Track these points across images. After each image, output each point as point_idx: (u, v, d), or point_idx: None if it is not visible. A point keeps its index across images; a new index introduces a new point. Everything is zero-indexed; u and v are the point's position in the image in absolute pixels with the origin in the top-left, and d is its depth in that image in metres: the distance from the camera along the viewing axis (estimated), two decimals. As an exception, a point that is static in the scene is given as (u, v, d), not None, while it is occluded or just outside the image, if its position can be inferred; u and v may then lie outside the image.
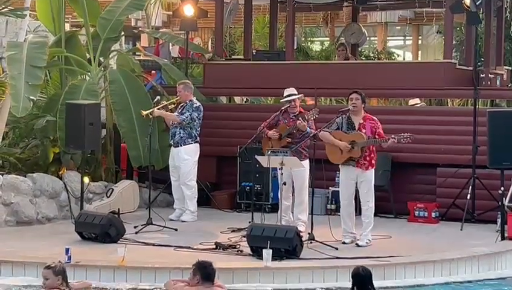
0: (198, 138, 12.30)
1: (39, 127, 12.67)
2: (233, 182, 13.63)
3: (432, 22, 22.75)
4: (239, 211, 13.31)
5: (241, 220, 11.75)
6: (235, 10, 17.28)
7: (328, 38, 23.44)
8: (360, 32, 17.00)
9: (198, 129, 12.30)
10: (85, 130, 11.49)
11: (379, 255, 9.72)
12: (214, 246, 10.12)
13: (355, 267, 7.59)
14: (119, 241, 10.36)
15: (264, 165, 10.83)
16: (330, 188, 12.98)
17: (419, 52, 26.28)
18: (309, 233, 10.36)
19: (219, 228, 11.48)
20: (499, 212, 11.06)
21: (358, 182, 10.49)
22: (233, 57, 18.14)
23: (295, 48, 16.56)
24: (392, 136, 10.31)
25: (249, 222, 10.65)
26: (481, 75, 13.27)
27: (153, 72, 15.53)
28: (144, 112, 12.04)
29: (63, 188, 12.44)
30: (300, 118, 11.07)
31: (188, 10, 14.92)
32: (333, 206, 12.95)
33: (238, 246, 10.13)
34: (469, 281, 9.32)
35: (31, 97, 11.93)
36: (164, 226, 11.37)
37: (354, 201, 10.69)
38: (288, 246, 9.45)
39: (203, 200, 13.28)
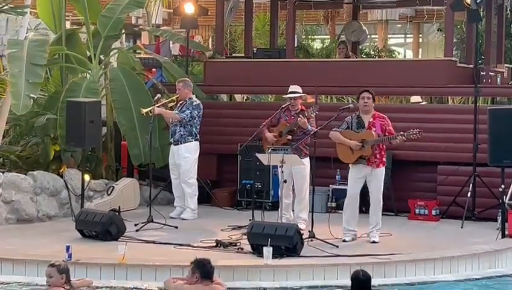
0: (198, 135, 12.30)
1: (40, 125, 12.67)
2: (234, 179, 13.63)
3: (432, 20, 22.76)
4: (239, 209, 13.31)
5: (241, 218, 11.76)
6: (235, 8, 17.26)
7: (328, 36, 23.44)
8: (360, 30, 16.99)
9: (198, 127, 12.30)
10: (85, 128, 11.50)
11: (379, 252, 9.73)
12: (215, 244, 10.13)
13: (355, 270, 7.61)
14: (119, 239, 10.36)
15: (265, 163, 10.84)
16: (331, 185, 12.98)
17: (420, 50, 26.30)
18: (309, 231, 10.36)
19: (219, 225, 11.48)
20: (500, 210, 11.06)
21: (368, 180, 10.50)
22: (233, 55, 18.15)
23: (296, 45, 16.57)
24: (401, 132, 10.31)
25: (250, 220, 10.66)
26: (482, 73, 13.25)
27: (154, 70, 15.52)
28: (144, 110, 12.05)
29: (64, 186, 12.44)
30: (301, 115, 11.07)
31: (189, 8, 14.91)
32: (334, 204, 12.94)
33: (238, 244, 10.13)
34: (469, 279, 9.32)
35: (32, 95, 11.92)
36: (165, 224, 11.38)
37: (358, 199, 10.69)
38: (288, 243, 9.45)
39: (204, 198, 13.28)
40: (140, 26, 18.89)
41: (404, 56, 26.01)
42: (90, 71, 13.63)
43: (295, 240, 9.49)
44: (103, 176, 13.32)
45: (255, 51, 15.50)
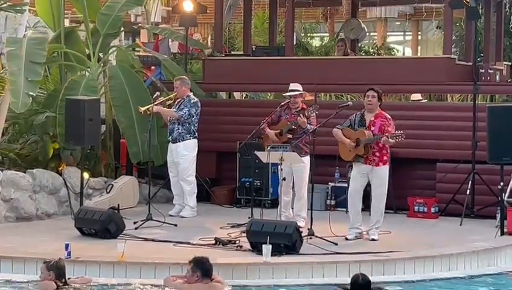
0: (196, 133, 12.30)
1: (39, 122, 12.67)
2: (233, 177, 13.63)
3: (431, 17, 22.77)
4: (239, 207, 13.31)
5: (240, 216, 11.76)
6: (234, 6, 17.30)
7: (327, 34, 23.44)
8: (359, 27, 16.98)
9: (196, 125, 12.30)
10: (84, 125, 11.49)
11: (379, 250, 9.74)
12: (214, 242, 10.13)
13: (355, 274, 7.63)
14: (118, 237, 10.36)
15: (264, 160, 10.84)
16: (330, 183, 12.99)
17: (419, 47, 26.30)
18: (308, 229, 10.37)
19: (219, 223, 11.49)
20: (499, 208, 11.07)
21: (370, 178, 10.51)
22: (232, 52, 18.12)
23: (295, 43, 16.56)
24: (386, 133, 10.31)
25: (249, 218, 10.66)
26: (481, 71, 13.25)
27: (153, 67, 15.49)
28: (142, 109, 12.05)
29: (63, 184, 12.44)
30: (301, 114, 11.07)
31: (188, 6, 14.91)
32: (333, 202, 12.95)
33: (237, 242, 10.13)
34: (468, 276, 9.32)
35: (31, 93, 11.91)
36: (164, 222, 11.38)
37: (361, 196, 10.68)
38: (287, 241, 9.45)
39: (203, 196, 13.29)
40: (139, 24, 18.85)
41: (403, 54, 26.00)
42: (89, 69, 13.62)
43: (294, 237, 9.50)
44: (102, 174, 13.32)
45: (254, 49, 15.48)
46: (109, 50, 14.13)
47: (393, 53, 22.39)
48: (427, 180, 12.76)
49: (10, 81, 12.04)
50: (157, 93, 12.44)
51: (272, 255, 9.10)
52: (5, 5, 13.51)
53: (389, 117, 10.54)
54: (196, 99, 12.37)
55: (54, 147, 12.89)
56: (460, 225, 11.68)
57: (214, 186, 13.90)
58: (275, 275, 8.98)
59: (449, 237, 10.89)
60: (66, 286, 8.12)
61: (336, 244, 10.07)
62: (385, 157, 10.50)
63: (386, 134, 10.28)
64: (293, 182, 11.30)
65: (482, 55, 15.08)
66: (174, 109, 12.24)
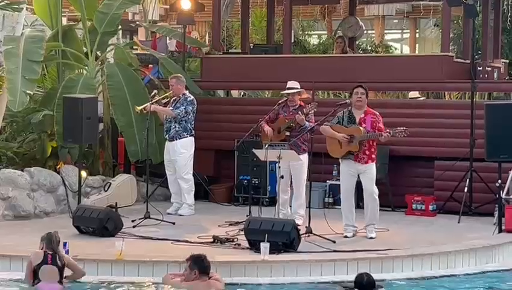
0: (193, 131, 12.30)
1: (36, 121, 12.66)
2: (231, 175, 13.62)
3: (429, 15, 22.76)
4: (237, 205, 13.30)
5: (238, 214, 11.76)
6: (232, 4, 17.30)
7: (325, 32, 23.43)
8: (357, 25, 16.99)
9: (193, 122, 12.30)
10: (82, 124, 11.49)
11: (377, 248, 9.74)
12: (212, 240, 10.13)
13: (359, 274, 7.64)
14: (116, 235, 10.36)
15: (262, 158, 10.84)
16: (328, 181, 12.99)
17: (417, 45, 26.28)
18: (306, 226, 10.37)
19: (217, 221, 11.49)
20: (497, 205, 11.07)
21: (360, 176, 10.50)
22: (230, 50, 18.13)
23: (292, 41, 16.56)
24: (387, 129, 10.32)
25: (247, 216, 10.67)
26: (478, 68, 13.26)
27: (150, 66, 15.51)
28: (138, 108, 12.06)
29: (61, 182, 12.43)
30: (299, 112, 11.07)
31: (185, 4, 14.91)
32: (331, 200, 12.96)
33: (235, 240, 10.13)
34: (467, 274, 9.33)
35: (28, 91, 11.92)
36: (162, 220, 11.38)
37: (354, 195, 10.69)
38: (285, 239, 9.45)
39: (201, 194, 13.29)
40: (137, 22, 18.88)
41: (401, 51, 25.98)
42: (86, 67, 13.62)
43: (292, 235, 9.50)
44: (100, 172, 13.32)
45: (251, 47, 15.50)
46: (107, 48, 14.11)
47: (391, 51, 22.36)
48: (425, 178, 12.77)
49: (8, 79, 12.02)
50: (155, 91, 12.44)
51: (270, 253, 9.11)
52: (2, 3, 13.51)
53: (378, 113, 10.54)
54: (192, 97, 12.37)
55: (51, 145, 12.88)
56: (458, 222, 11.68)
57: (212, 185, 13.89)
58: (273, 273, 8.99)
59: (447, 234, 10.89)
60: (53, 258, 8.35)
61: (334, 242, 10.08)
62: (373, 156, 10.51)
63: (388, 130, 10.27)
64: (291, 180, 11.30)
65: (479, 52, 15.09)
66: (171, 107, 12.24)
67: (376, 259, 9.29)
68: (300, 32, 22.49)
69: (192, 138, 12.29)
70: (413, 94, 15.26)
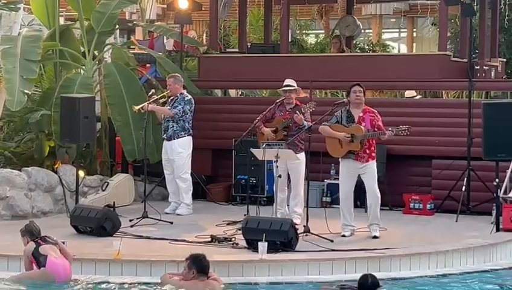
0: (191, 130, 12.31)
1: (34, 121, 12.65)
2: (229, 175, 13.63)
3: (426, 14, 22.78)
4: (234, 204, 13.31)
5: (236, 213, 11.77)
6: (229, 3, 17.28)
7: (322, 31, 23.41)
8: (354, 24, 16.99)
9: (191, 122, 12.31)
10: (80, 123, 11.47)
11: (374, 247, 9.74)
12: (210, 239, 10.13)
13: (363, 275, 7.64)
14: (114, 235, 10.36)
15: (259, 158, 10.84)
16: (325, 180, 12.99)
17: (414, 44, 26.27)
18: (304, 226, 10.37)
19: (214, 221, 11.49)
20: (494, 204, 11.08)
21: (361, 174, 10.50)
22: (228, 50, 18.12)
23: (290, 40, 16.55)
24: (390, 128, 10.32)
25: (245, 215, 10.67)
26: (476, 67, 13.28)
27: (148, 65, 15.52)
28: (136, 108, 12.05)
29: (58, 181, 12.43)
30: (297, 111, 11.07)
31: (183, 3, 14.92)
32: (328, 199, 12.96)
33: (233, 239, 10.14)
34: (464, 273, 9.33)
35: (26, 91, 11.92)
36: (159, 220, 11.38)
37: (352, 194, 10.69)
38: (283, 238, 9.46)
39: (199, 193, 13.29)
40: (134, 22, 18.84)
41: (399, 50, 25.97)
42: (84, 67, 13.61)
43: (290, 234, 9.50)
44: (98, 172, 13.32)
45: (249, 46, 15.51)
46: (104, 48, 14.11)
47: (388, 50, 22.37)
48: (422, 177, 12.77)
49: (5, 79, 12.03)
50: (153, 90, 12.43)
51: (267, 253, 9.10)
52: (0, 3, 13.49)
53: (377, 112, 10.54)
54: (190, 96, 12.37)
55: (49, 145, 12.88)
56: (456, 221, 11.69)
57: (210, 184, 13.89)
58: (271, 272, 8.98)
59: (445, 233, 10.90)
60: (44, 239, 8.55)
61: (332, 241, 10.08)
62: (373, 154, 10.52)
63: (390, 129, 10.27)
64: (289, 179, 11.30)
65: (477, 51, 15.10)
66: (168, 107, 12.23)
67: (374, 258, 9.29)
68: (298, 32, 22.49)
69: (190, 138, 12.29)
70: (410, 93, 15.26)
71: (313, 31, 24.82)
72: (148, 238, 10.42)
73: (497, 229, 10.77)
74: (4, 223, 11.47)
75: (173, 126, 12.19)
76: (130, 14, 20.91)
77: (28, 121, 12.85)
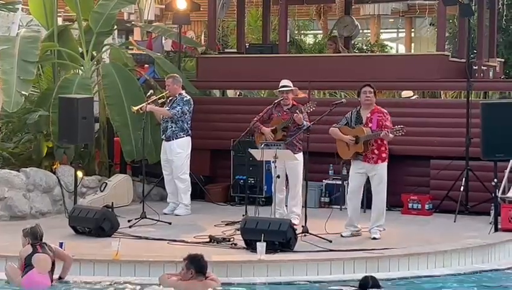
0: (189, 131, 12.31)
1: (32, 121, 12.64)
2: (227, 175, 13.63)
3: (424, 14, 22.81)
4: (233, 205, 13.31)
5: (235, 214, 11.77)
6: (227, 3, 17.28)
7: (321, 31, 23.44)
8: (353, 25, 16.98)
9: (190, 122, 12.30)
10: (78, 124, 11.46)
11: (373, 247, 9.74)
12: (208, 240, 10.13)
13: (364, 277, 7.64)
14: (113, 236, 10.36)
15: (258, 158, 10.84)
16: (324, 180, 12.99)
17: (412, 44, 26.31)
18: (303, 226, 10.37)
19: (213, 221, 11.49)
20: (493, 204, 11.08)
21: (370, 175, 10.49)
22: (226, 50, 18.13)
23: (288, 41, 16.55)
24: (386, 129, 10.31)
25: (243, 215, 10.66)
26: (474, 67, 13.27)
27: (146, 65, 15.52)
28: (134, 108, 12.05)
29: (57, 182, 12.43)
30: (297, 111, 11.06)
31: (181, 4, 14.91)
32: (327, 199, 12.97)
33: (232, 240, 10.14)
34: (463, 273, 9.33)
35: (23, 92, 11.91)
36: (158, 220, 11.38)
37: (360, 195, 10.68)
38: (282, 239, 9.46)
39: (197, 194, 13.28)
40: (133, 22, 18.83)
41: (397, 51, 26.01)
42: (82, 67, 13.60)
43: (289, 235, 9.50)
44: (96, 173, 13.31)
45: (247, 47, 15.50)
46: (102, 48, 14.11)
47: (386, 50, 22.40)
48: (421, 177, 12.77)
49: (3, 80, 12.02)
50: (151, 91, 12.44)
51: (266, 253, 9.10)
52: (-3, 3, 13.50)
53: (386, 112, 10.52)
54: (189, 97, 12.37)
55: (47, 145, 12.87)
56: (455, 221, 11.70)
57: (208, 184, 13.89)
58: (270, 272, 8.98)
59: (443, 233, 10.90)
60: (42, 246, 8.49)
61: (330, 241, 10.08)
62: (384, 155, 10.48)
63: (386, 129, 10.26)
64: (287, 180, 11.30)
65: (475, 51, 15.10)
66: (167, 107, 12.23)
67: (372, 258, 9.29)
68: (296, 32, 22.50)
69: (189, 138, 12.29)
70: (406, 93, 15.26)
71: (311, 31, 24.84)
72: (147, 238, 10.41)
73: (496, 229, 10.77)
74: (2, 224, 11.46)
75: (172, 127, 12.19)
76: (128, 15, 20.90)
77: (26, 122, 12.84)
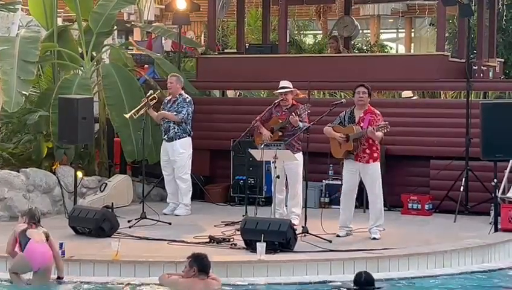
0: (191, 132, 12.32)
1: (32, 122, 12.64)
2: (227, 175, 13.63)
3: (424, 15, 22.82)
4: (232, 205, 13.30)
5: (234, 214, 11.76)
6: (227, 4, 17.29)
7: (321, 32, 23.44)
8: (352, 25, 16.99)
9: (191, 123, 12.32)
10: (78, 124, 11.46)
11: (373, 247, 9.74)
12: (208, 240, 10.13)
13: (358, 272, 7.64)
14: (113, 236, 10.36)
15: (258, 158, 10.84)
16: (324, 181, 12.99)
17: (412, 44, 26.31)
18: (303, 226, 10.38)
19: (213, 221, 11.48)
20: (492, 204, 11.07)
21: (362, 175, 10.49)
22: (226, 50, 18.13)
23: (288, 41, 16.56)
24: (371, 126, 10.28)
25: (243, 216, 10.66)
26: (474, 68, 13.27)
27: (146, 66, 15.51)
28: (127, 115, 11.99)
29: (57, 182, 12.43)
30: (293, 113, 11.07)
31: (181, 4, 14.91)
32: (327, 199, 12.96)
33: (231, 240, 10.14)
34: (463, 273, 9.34)
35: (23, 92, 11.91)
36: (158, 221, 11.38)
37: (355, 194, 10.68)
38: (282, 239, 9.46)
39: (197, 194, 13.27)
40: (132, 23, 18.85)
41: (397, 51, 26.01)
42: (82, 68, 13.61)
43: (288, 235, 9.50)
44: (96, 173, 13.31)
45: (247, 47, 15.49)
46: (102, 48, 14.11)
47: (386, 50, 22.40)
48: (420, 177, 12.76)
49: (3, 80, 12.02)
50: (151, 91, 12.43)
51: (266, 253, 9.11)
52: (-3, 4, 13.50)
53: (378, 112, 10.52)
54: (190, 97, 12.38)
55: (47, 146, 12.87)
56: (454, 221, 11.70)
57: (208, 185, 13.89)
58: (269, 272, 8.99)
59: (443, 233, 10.90)
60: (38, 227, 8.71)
61: (330, 241, 10.08)
62: (375, 154, 10.48)
63: (372, 126, 10.25)
64: (287, 180, 11.30)
65: (475, 52, 15.10)
66: (166, 108, 12.24)
67: (372, 258, 9.29)
68: (296, 32, 22.50)
69: (190, 139, 12.31)
70: (406, 94, 15.26)
71: (311, 32, 24.85)
72: (147, 239, 10.42)
73: (496, 230, 10.77)
74: (2, 225, 11.45)
75: (175, 128, 12.19)
76: (128, 15, 20.92)
77: (26, 122, 12.84)
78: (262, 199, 12.76)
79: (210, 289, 8.00)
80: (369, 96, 10.53)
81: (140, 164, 12.30)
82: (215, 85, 14.87)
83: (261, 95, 16.36)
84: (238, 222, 10.64)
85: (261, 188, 12.87)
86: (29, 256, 8.46)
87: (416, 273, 9.27)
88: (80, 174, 12.26)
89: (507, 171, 11.58)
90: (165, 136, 12.29)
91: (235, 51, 16.01)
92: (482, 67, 13.73)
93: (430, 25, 22.38)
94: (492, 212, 11.09)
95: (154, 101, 12.22)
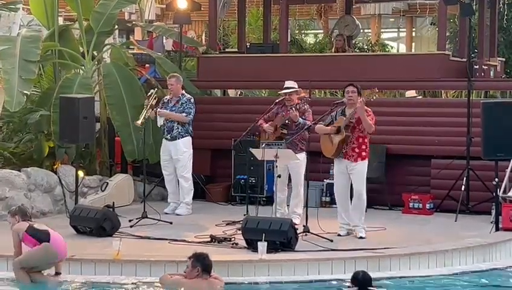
0: (192, 132, 12.33)
1: (33, 121, 12.65)
2: (228, 175, 13.63)
3: (425, 14, 22.81)
4: (234, 204, 13.31)
5: (236, 213, 11.77)
6: (228, 3, 17.28)
7: (321, 31, 23.43)
8: (353, 24, 17.00)
9: (191, 123, 12.34)
10: (79, 124, 11.47)
11: (374, 247, 9.74)
12: (209, 239, 10.13)
13: (355, 272, 7.64)
14: (114, 235, 10.36)
15: (259, 158, 10.84)
16: (325, 180, 12.99)
17: (413, 44, 26.29)
18: (304, 225, 10.37)
19: (214, 221, 11.49)
20: (494, 203, 11.08)
21: (349, 173, 10.49)
22: (227, 50, 18.13)
23: (289, 40, 16.56)
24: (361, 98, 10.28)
25: (244, 215, 10.67)
26: (475, 67, 13.27)
27: (147, 65, 15.52)
28: (138, 122, 11.86)
29: (58, 182, 12.43)
30: (292, 108, 11.08)
31: (182, 3, 14.92)
32: (328, 199, 12.96)
33: (233, 239, 10.14)
34: (463, 272, 9.34)
35: (25, 91, 11.91)
36: (159, 220, 11.38)
37: (348, 193, 10.69)
38: (283, 238, 9.46)
39: (198, 193, 13.26)
40: (133, 22, 18.85)
41: (398, 50, 26.00)
42: (83, 67, 13.61)
43: (290, 234, 9.50)
44: (97, 172, 13.31)
45: (248, 46, 15.50)
46: (103, 48, 14.12)
47: (387, 50, 22.38)
48: (421, 176, 12.77)
49: (4, 79, 12.03)
50: (152, 91, 12.43)
51: (267, 252, 9.10)
52: (-1, 3, 13.50)
53: (369, 110, 10.53)
54: (192, 97, 12.40)
55: (48, 145, 12.87)
56: (455, 221, 11.70)
57: (209, 184, 13.89)
58: (271, 272, 8.98)
59: (444, 233, 10.90)
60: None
61: (331, 241, 10.09)
62: (364, 153, 10.47)
63: (360, 99, 10.23)
64: (289, 179, 11.30)
65: (476, 51, 15.10)
66: (168, 107, 12.24)
67: (373, 258, 9.29)
68: (297, 32, 22.51)
69: (191, 138, 12.32)
70: (410, 93, 15.26)
71: (312, 31, 24.83)
72: (148, 238, 10.42)
73: (497, 229, 10.78)
74: (4, 224, 11.43)
75: (178, 127, 12.19)
76: (129, 14, 20.91)
77: (27, 122, 12.85)
78: (264, 199, 12.79)
79: (214, 289, 8.01)
80: (358, 94, 10.52)
81: (141, 163, 12.30)
82: (216, 84, 14.88)
83: (262, 95, 16.36)
84: (239, 221, 10.65)
85: (262, 188, 12.89)
86: (55, 245, 8.48)
87: (417, 272, 9.26)
88: (81, 173, 12.27)
89: (508, 170, 11.57)
90: (168, 135, 12.29)
91: (236, 50, 16.03)
92: (483, 67, 13.74)
93: (431, 24, 22.36)
94: (493, 212, 11.10)
95: (154, 100, 12.23)
